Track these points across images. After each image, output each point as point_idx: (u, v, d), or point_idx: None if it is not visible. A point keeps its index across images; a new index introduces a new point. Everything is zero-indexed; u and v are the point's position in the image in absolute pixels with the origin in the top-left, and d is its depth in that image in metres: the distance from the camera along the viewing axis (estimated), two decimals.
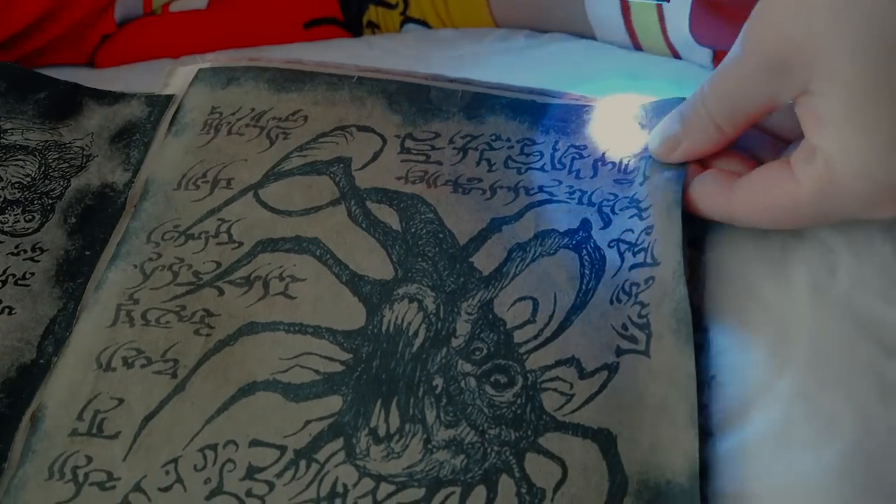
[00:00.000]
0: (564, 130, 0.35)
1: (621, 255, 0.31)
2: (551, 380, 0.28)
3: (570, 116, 0.35)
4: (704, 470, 0.26)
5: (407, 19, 0.47)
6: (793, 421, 0.26)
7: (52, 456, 0.27)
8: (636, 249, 0.31)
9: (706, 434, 0.27)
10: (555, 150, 0.35)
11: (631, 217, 0.32)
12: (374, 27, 0.48)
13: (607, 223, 0.32)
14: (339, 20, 0.47)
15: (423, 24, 0.47)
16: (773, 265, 0.29)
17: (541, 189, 0.33)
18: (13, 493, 0.27)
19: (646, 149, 0.33)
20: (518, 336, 0.30)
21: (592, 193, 0.33)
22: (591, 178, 0.33)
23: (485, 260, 0.31)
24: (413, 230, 0.32)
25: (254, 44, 0.45)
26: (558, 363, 0.29)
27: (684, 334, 0.29)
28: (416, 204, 0.33)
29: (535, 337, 0.29)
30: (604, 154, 0.34)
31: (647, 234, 0.32)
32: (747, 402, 0.27)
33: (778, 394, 0.26)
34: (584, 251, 0.31)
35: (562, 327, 0.30)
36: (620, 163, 0.34)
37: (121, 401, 0.29)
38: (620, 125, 0.35)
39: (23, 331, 0.30)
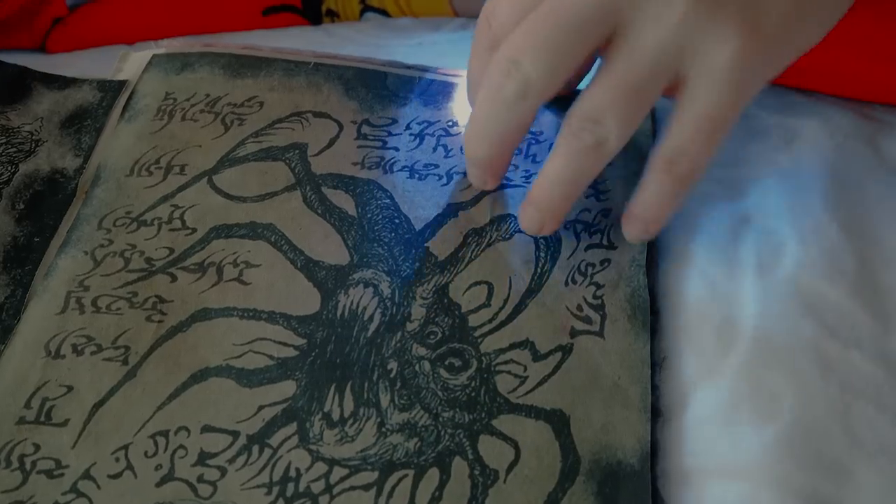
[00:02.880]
0: None
1: (577, 235, 0.32)
2: (505, 363, 0.29)
3: None
4: (654, 449, 0.27)
5: (366, 8, 0.47)
6: (737, 399, 0.26)
7: None
8: (592, 230, 0.32)
9: (656, 414, 0.27)
10: None
11: (588, 197, 0.32)
12: (333, 15, 0.47)
13: None
14: (297, 8, 0.47)
15: (383, 12, 0.47)
16: (722, 248, 0.30)
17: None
18: None
19: None
20: (473, 320, 0.30)
21: None
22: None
23: (441, 245, 0.32)
24: (369, 216, 0.32)
25: (211, 30, 0.45)
26: (512, 346, 0.29)
27: (640, 321, 0.29)
28: (373, 189, 0.33)
29: (490, 321, 0.30)
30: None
31: (605, 216, 0.32)
32: (695, 381, 0.27)
33: (724, 373, 0.27)
34: (541, 236, 0.32)
35: (516, 310, 0.30)
36: None
37: (70, 388, 0.28)
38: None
39: None
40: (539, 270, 0.31)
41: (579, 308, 0.30)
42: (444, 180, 0.33)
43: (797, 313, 0.27)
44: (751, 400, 0.26)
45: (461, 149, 0.34)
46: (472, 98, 0.32)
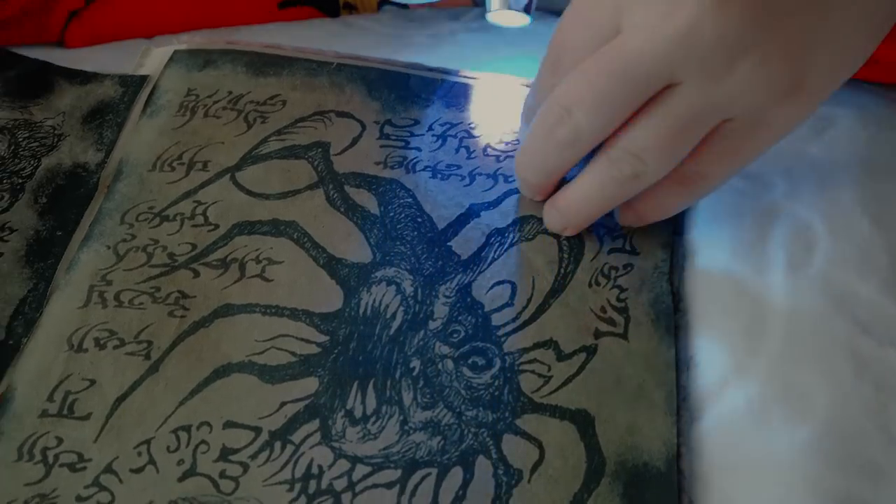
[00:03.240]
0: None
1: (600, 238, 0.32)
2: (529, 362, 0.29)
3: None
4: (682, 448, 0.26)
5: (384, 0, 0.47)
6: (768, 399, 0.26)
7: (21, 437, 0.27)
8: (615, 234, 0.32)
9: (684, 413, 0.27)
10: None
11: None
12: (350, 8, 0.47)
13: None
14: (314, 1, 0.47)
15: (401, 4, 0.47)
16: (750, 245, 0.30)
17: None
18: None
19: None
20: (496, 319, 0.30)
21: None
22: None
23: (463, 244, 0.32)
24: (391, 214, 0.32)
25: (227, 24, 0.45)
26: (536, 345, 0.29)
27: (664, 325, 0.29)
28: (395, 188, 0.33)
29: (514, 320, 0.30)
30: None
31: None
32: (724, 381, 0.27)
33: (754, 372, 0.27)
34: (563, 236, 0.32)
35: (540, 310, 0.30)
36: None
37: (92, 382, 0.28)
38: None
39: None
40: (562, 271, 0.31)
41: (603, 310, 0.30)
42: (467, 181, 0.33)
43: (829, 310, 0.27)
44: (782, 399, 0.26)
45: (483, 151, 0.34)
46: (527, 117, 0.32)
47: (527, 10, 0.35)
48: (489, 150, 0.34)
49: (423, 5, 0.44)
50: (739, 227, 0.31)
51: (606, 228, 0.32)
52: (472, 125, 0.35)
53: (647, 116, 0.26)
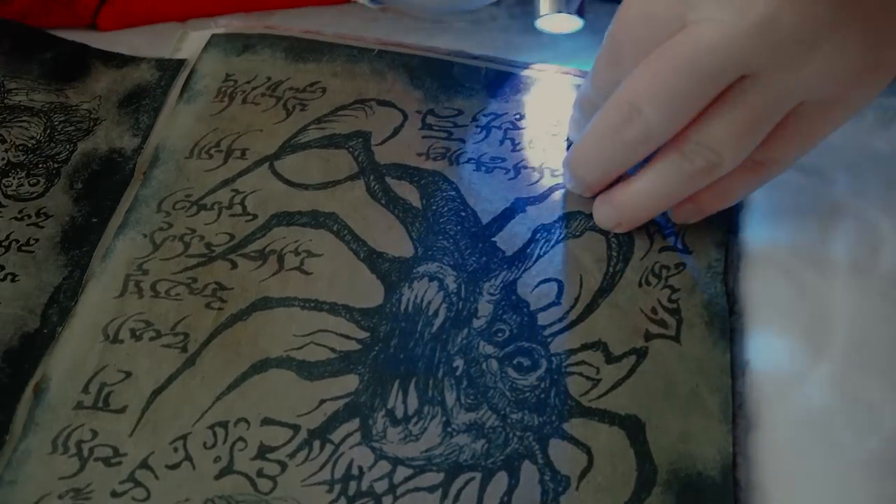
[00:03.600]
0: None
1: (650, 236, 0.30)
2: (577, 364, 0.28)
3: None
4: (738, 459, 0.25)
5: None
6: (831, 408, 0.25)
7: (56, 429, 0.26)
8: (666, 232, 0.31)
9: (740, 420, 0.26)
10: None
11: None
12: None
13: None
14: None
15: None
16: (811, 245, 0.28)
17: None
18: (15, 466, 0.25)
19: None
20: (542, 318, 0.29)
21: None
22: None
23: (508, 240, 0.30)
24: (434, 207, 0.31)
25: (262, 7, 0.44)
26: (584, 347, 0.28)
27: (718, 328, 0.28)
28: (438, 181, 0.32)
29: (560, 320, 0.29)
30: None
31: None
32: (783, 388, 0.26)
33: (815, 380, 0.26)
34: (612, 233, 0.30)
35: (588, 310, 0.29)
36: None
37: (128, 374, 0.27)
38: None
39: (26, 299, 0.29)
40: (611, 270, 0.30)
41: (654, 311, 0.29)
42: (512, 174, 0.32)
43: None
44: (846, 410, 0.25)
45: (529, 143, 0.33)
46: (583, 108, 0.31)
47: (579, 12, 0.33)
48: (535, 142, 0.33)
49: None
50: (799, 226, 0.29)
51: (657, 225, 0.31)
52: (517, 116, 0.34)
53: (721, 108, 0.25)
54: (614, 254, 0.30)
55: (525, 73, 0.35)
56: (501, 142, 0.33)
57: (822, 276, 0.28)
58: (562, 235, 0.31)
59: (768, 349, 0.27)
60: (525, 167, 0.32)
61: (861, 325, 0.26)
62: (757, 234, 0.30)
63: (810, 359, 0.26)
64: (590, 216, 0.31)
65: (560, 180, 0.32)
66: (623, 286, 0.29)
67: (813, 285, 0.28)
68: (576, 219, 0.31)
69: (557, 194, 0.32)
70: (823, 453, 0.24)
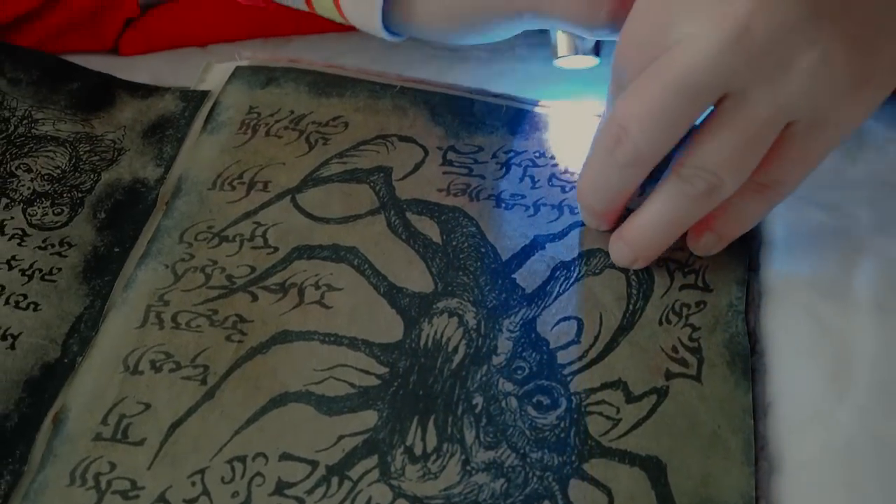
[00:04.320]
0: None
1: (671, 273, 0.30)
2: (597, 403, 0.27)
3: None
4: (759, 501, 0.25)
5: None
6: (855, 451, 0.25)
7: (74, 461, 0.26)
8: (686, 270, 0.31)
9: (762, 463, 0.26)
10: None
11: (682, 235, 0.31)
12: None
13: None
14: None
15: None
16: (833, 283, 0.28)
17: None
18: (32, 497, 0.25)
19: None
20: (562, 357, 0.29)
21: None
22: (640, 196, 0.32)
23: (528, 277, 0.31)
24: (454, 243, 0.31)
25: (282, 33, 0.44)
26: (604, 386, 0.28)
27: (740, 368, 0.28)
28: (458, 217, 0.32)
29: (580, 358, 0.29)
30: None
31: (699, 256, 0.31)
32: (806, 429, 0.26)
33: (838, 421, 0.25)
34: (632, 270, 0.31)
35: (608, 349, 0.29)
36: None
37: (147, 406, 0.27)
38: None
39: (47, 328, 0.29)
40: (631, 308, 0.30)
41: (674, 349, 0.29)
42: (531, 211, 0.32)
43: None
44: (871, 452, 0.24)
45: (548, 180, 0.33)
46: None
47: (596, 52, 0.34)
48: (554, 180, 0.33)
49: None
50: (821, 263, 0.29)
51: (677, 263, 0.31)
52: (536, 154, 0.34)
53: (712, 129, 0.26)
54: (634, 291, 0.30)
55: (545, 110, 0.36)
56: (521, 179, 0.33)
57: (844, 315, 0.28)
58: (581, 273, 0.31)
59: (791, 389, 0.27)
60: (544, 205, 0.33)
61: (885, 364, 0.26)
62: (778, 272, 0.30)
63: (834, 399, 0.26)
64: (609, 254, 0.31)
65: (579, 218, 0.32)
66: (643, 324, 0.29)
67: (835, 323, 0.27)
68: (595, 256, 0.31)
69: (577, 232, 0.32)
70: (847, 495, 0.24)
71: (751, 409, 0.27)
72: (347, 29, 0.46)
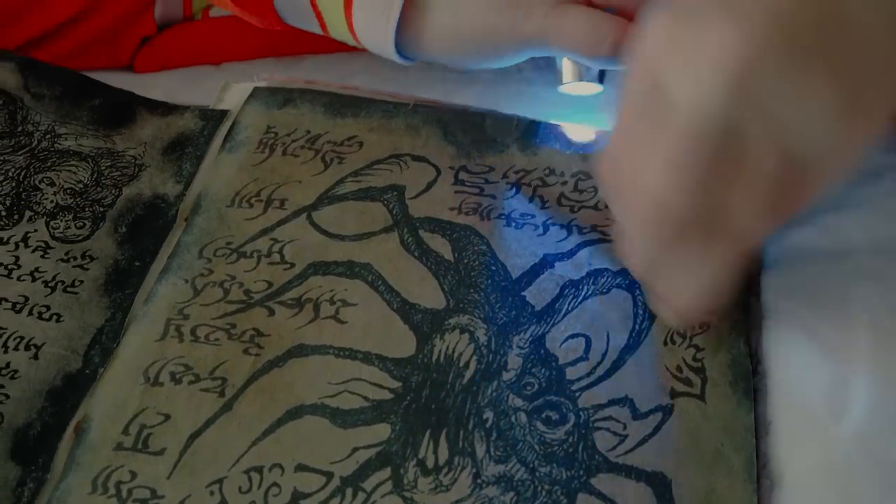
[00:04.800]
0: None
1: None
2: (604, 419, 0.28)
3: None
4: None
5: None
6: (853, 470, 0.25)
7: (95, 469, 0.27)
8: None
9: (764, 480, 0.27)
10: None
11: None
12: None
13: None
14: None
15: None
16: (831, 305, 0.29)
17: (593, 228, 0.33)
18: None
19: None
20: (570, 373, 0.29)
21: None
22: None
23: (537, 295, 0.31)
24: (465, 261, 0.32)
25: (295, 52, 0.45)
26: (612, 402, 0.29)
27: (742, 388, 0.29)
28: (469, 235, 0.33)
29: (588, 375, 0.29)
30: None
31: None
32: (805, 448, 0.27)
33: (837, 440, 0.26)
34: (638, 291, 0.31)
35: (615, 366, 0.30)
36: None
37: (167, 417, 0.28)
38: None
39: (70, 339, 0.30)
40: (637, 327, 0.31)
41: (679, 369, 0.29)
42: (541, 230, 0.33)
43: None
44: (869, 471, 0.25)
45: (557, 200, 0.34)
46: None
47: (600, 79, 0.35)
48: (563, 199, 0.34)
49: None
50: (820, 285, 0.30)
51: None
52: (546, 172, 0.35)
53: (739, 182, 0.25)
54: (640, 311, 0.31)
55: (555, 130, 0.37)
56: (531, 199, 0.34)
57: (842, 337, 0.28)
58: (589, 292, 0.32)
59: (791, 409, 0.28)
60: (553, 224, 0.34)
61: (883, 386, 0.27)
62: (778, 294, 0.30)
63: (832, 418, 0.27)
64: (616, 273, 0.32)
65: (587, 237, 0.33)
66: (648, 343, 0.30)
67: (834, 345, 0.28)
68: (603, 276, 0.32)
69: (585, 252, 0.33)
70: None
71: (752, 428, 0.28)
72: (356, 48, 0.47)
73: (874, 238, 0.31)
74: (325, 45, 0.46)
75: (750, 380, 0.29)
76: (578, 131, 0.37)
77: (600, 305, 0.31)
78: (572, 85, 0.36)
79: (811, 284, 0.30)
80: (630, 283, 0.32)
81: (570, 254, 0.33)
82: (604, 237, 0.33)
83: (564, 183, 0.35)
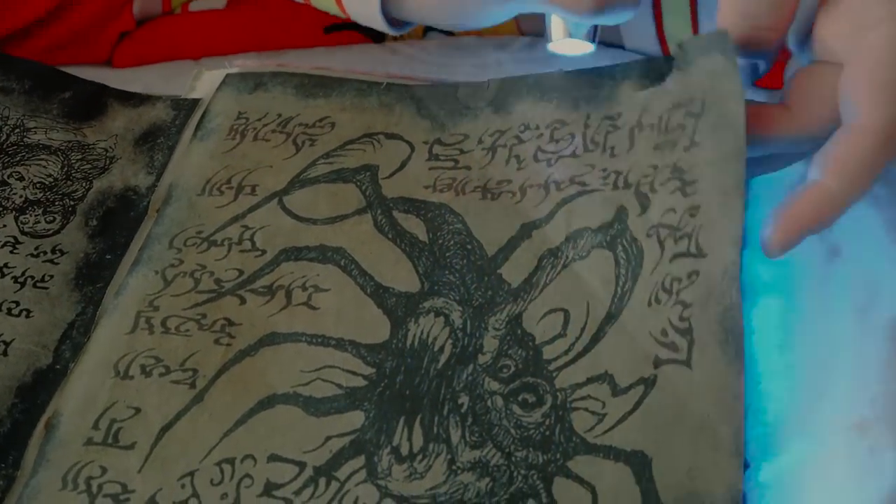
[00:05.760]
0: (596, 99, 0.32)
1: (661, 243, 0.28)
2: (582, 398, 0.27)
3: (601, 82, 0.33)
4: (741, 500, 0.25)
5: (430, 27, 0.47)
6: (833, 452, 0.24)
7: (66, 465, 0.27)
8: (678, 235, 0.28)
9: (745, 465, 0.26)
10: (587, 126, 0.32)
11: (673, 192, 0.28)
12: None
13: (645, 207, 0.29)
14: (360, 26, 0.47)
15: (446, 31, 0.47)
16: (815, 285, 0.28)
17: (572, 181, 0.31)
18: (25, 502, 0.26)
19: (692, 101, 0.29)
20: (548, 352, 0.28)
21: (629, 173, 0.30)
22: (628, 151, 0.31)
23: (513, 271, 0.30)
24: (440, 241, 0.31)
25: (274, 47, 0.45)
26: (590, 380, 0.27)
27: (733, 348, 0.26)
28: (444, 214, 0.32)
29: (566, 352, 0.28)
30: (641, 116, 0.31)
31: (692, 215, 0.28)
32: (785, 429, 0.26)
33: (818, 423, 0.25)
34: (620, 247, 0.29)
35: (594, 340, 0.28)
36: (661, 121, 0.30)
37: (137, 410, 0.28)
38: (657, 75, 0.31)
39: (40, 334, 0.29)
40: (619, 291, 0.29)
41: (664, 333, 0.27)
42: (518, 197, 0.32)
43: None
44: (849, 454, 0.24)
45: (534, 157, 0.32)
46: None
47: (592, 38, 0.33)
48: (540, 154, 0.32)
49: (468, 33, 0.43)
50: (801, 267, 0.29)
51: (669, 228, 0.28)
52: (521, 128, 0.33)
53: None
54: (622, 272, 0.29)
55: (527, 80, 0.34)
56: (507, 161, 0.33)
57: (825, 318, 0.27)
58: (569, 259, 0.30)
59: (771, 389, 0.27)
60: (531, 186, 0.32)
61: (862, 368, 0.26)
62: (761, 276, 0.29)
63: (813, 400, 0.26)
64: (597, 231, 0.30)
65: (566, 193, 0.31)
66: (632, 308, 0.28)
67: (816, 326, 0.27)
68: (582, 237, 0.30)
69: (564, 212, 0.31)
70: (826, 498, 0.24)
71: (742, 395, 0.26)
72: (337, 42, 0.46)
73: (853, 220, 0.30)
74: (305, 39, 0.46)
75: (741, 337, 0.26)
76: (557, 80, 0.34)
77: (580, 272, 0.29)
78: (561, 43, 0.33)
79: (795, 262, 0.29)
80: (611, 239, 0.29)
81: (549, 217, 0.31)
82: (583, 189, 0.31)
83: (540, 136, 0.33)
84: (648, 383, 0.27)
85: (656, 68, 0.31)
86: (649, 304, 0.28)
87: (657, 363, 0.27)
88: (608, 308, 0.28)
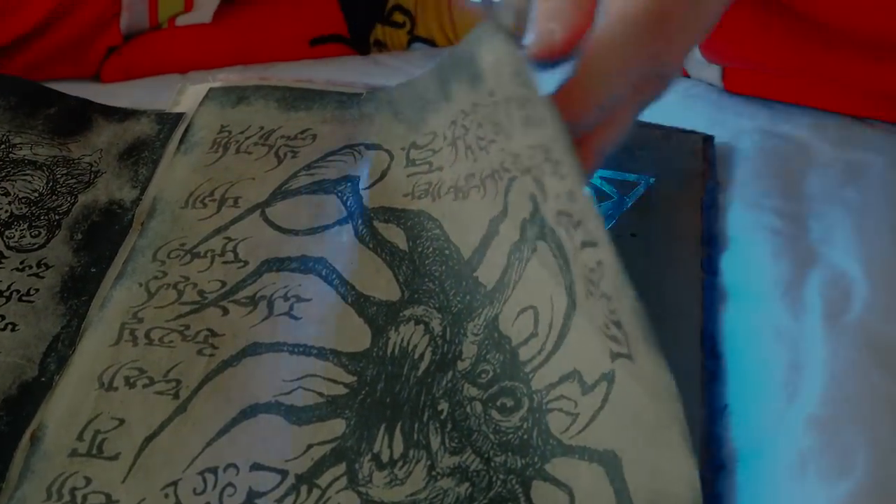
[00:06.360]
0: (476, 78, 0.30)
1: (567, 231, 0.26)
2: (556, 399, 0.27)
3: (466, 57, 0.30)
4: (716, 502, 0.25)
5: (414, 38, 0.47)
6: (806, 452, 0.25)
7: (50, 477, 0.27)
8: (574, 221, 0.26)
9: (720, 466, 0.26)
10: (493, 106, 0.29)
11: (552, 176, 0.26)
12: (381, 46, 0.47)
13: (543, 192, 0.27)
14: (345, 38, 0.47)
15: (431, 43, 0.47)
16: (787, 289, 0.29)
17: (503, 167, 0.29)
18: None
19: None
20: (524, 353, 0.28)
21: (523, 155, 0.28)
22: (512, 130, 0.28)
23: (488, 271, 0.30)
24: (420, 249, 0.32)
25: (260, 60, 0.45)
26: (562, 379, 0.27)
27: (653, 342, 0.24)
28: (423, 221, 0.32)
29: (540, 352, 0.28)
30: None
31: (571, 199, 0.26)
32: (760, 432, 0.26)
33: (791, 423, 0.26)
34: (549, 236, 0.27)
35: (561, 335, 0.27)
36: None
37: (121, 421, 0.28)
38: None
39: (25, 347, 0.30)
40: (566, 282, 0.27)
41: (606, 325, 0.26)
42: (483, 191, 0.30)
43: (868, 362, 0.26)
44: (822, 453, 0.24)
45: (478, 146, 0.30)
46: None
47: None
48: (479, 142, 0.31)
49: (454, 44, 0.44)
50: (775, 270, 0.29)
51: (567, 216, 0.26)
52: (462, 115, 0.31)
53: None
54: (561, 263, 0.27)
55: (478, 59, 0.30)
56: (466, 154, 0.31)
57: (797, 319, 0.28)
58: (527, 252, 0.29)
59: (746, 393, 0.27)
60: (489, 176, 0.30)
61: (834, 371, 0.26)
62: (735, 277, 0.30)
63: (786, 403, 0.26)
64: (532, 221, 0.28)
65: (504, 180, 0.29)
66: (580, 302, 0.27)
67: (789, 330, 0.28)
68: (526, 228, 0.28)
69: (509, 201, 0.29)
70: (798, 497, 0.24)
71: (674, 389, 0.23)
72: (323, 55, 0.47)
73: (826, 226, 0.31)
74: (290, 53, 0.46)
75: (649, 326, 0.23)
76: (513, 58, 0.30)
77: (536, 266, 0.28)
78: None
79: (767, 267, 0.30)
80: (541, 230, 0.27)
81: (505, 209, 0.29)
82: (511, 176, 0.29)
83: (472, 121, 0.31)
84: (609, 378, 0.25)
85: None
86: (587, 296, 0.26)
87: (613, 357, 0.25)
88: (565, 301, 0.27)
